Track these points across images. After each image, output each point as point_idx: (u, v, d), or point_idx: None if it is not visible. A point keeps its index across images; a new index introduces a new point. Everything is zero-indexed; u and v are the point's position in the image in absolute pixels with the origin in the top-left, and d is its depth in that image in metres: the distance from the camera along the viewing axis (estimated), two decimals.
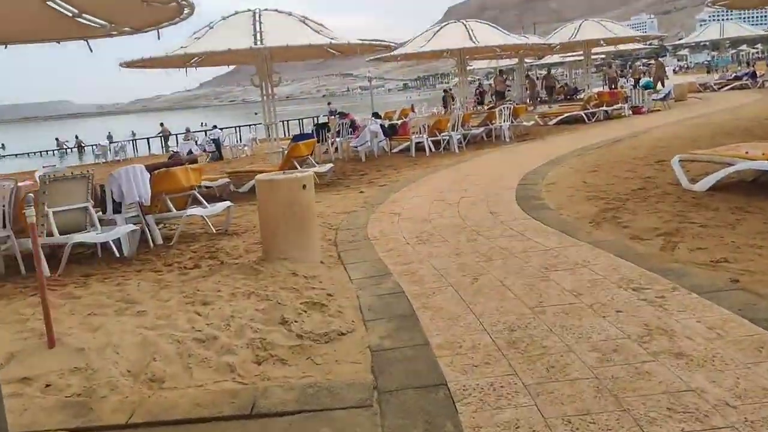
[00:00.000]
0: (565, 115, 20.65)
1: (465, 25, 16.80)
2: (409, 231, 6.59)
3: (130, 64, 12.19)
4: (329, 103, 34.31)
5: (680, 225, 5.65)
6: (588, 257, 4.93)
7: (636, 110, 20.62)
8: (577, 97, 37.60)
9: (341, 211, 8.28)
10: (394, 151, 16.72)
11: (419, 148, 15.44)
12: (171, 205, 7.27)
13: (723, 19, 48.17)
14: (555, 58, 41.25)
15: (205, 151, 22.95)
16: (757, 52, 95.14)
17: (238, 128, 39.09)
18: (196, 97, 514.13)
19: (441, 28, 17.02)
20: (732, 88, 28.59)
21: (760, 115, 15.56)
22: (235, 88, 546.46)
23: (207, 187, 11.09)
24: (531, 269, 4.77)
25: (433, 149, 15.68)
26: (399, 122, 17.78)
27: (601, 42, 24.81)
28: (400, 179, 11.12)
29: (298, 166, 11.51)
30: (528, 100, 29.97)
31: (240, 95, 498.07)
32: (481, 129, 17.23)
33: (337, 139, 16.23)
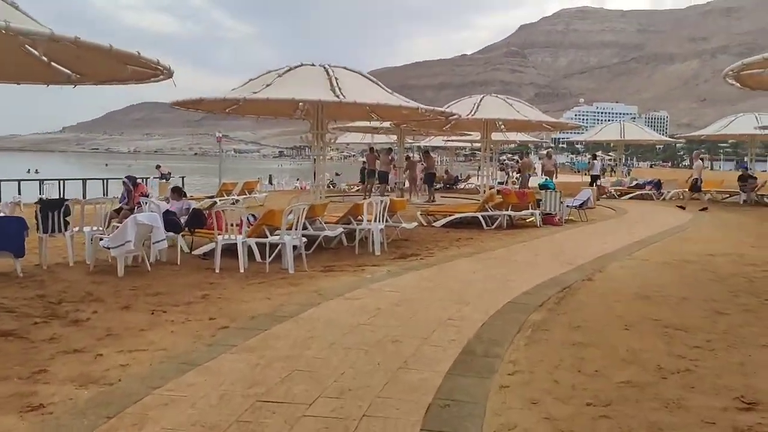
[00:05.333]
0: (457, 215, 15.15)
1: (327, 71, 10.77)
2: None
3: None
4: (158, 166, 26.79)
5: None
6: None
7: (548, 219, 15.49)
8: (457, 186, 33.13)
9: None
10: (197, 253, 10.12)
11: (232, 251, 9.10)
12: None
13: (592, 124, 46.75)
14: (437, 141, 36.74)
15: None
16: (611, 160, 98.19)
17: (41, 182, 30.65)
18: (56, 141, 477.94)
19: (290, 69, 10.86)
20: (633, 197, 24.89)
21: (742, 252, 10.64)
22: (100, 136, 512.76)
23: None
24: None
25: (258, 258, 9.37)
26: (208, 207, 11.18)
27: (501, 126, 20.01)
28: (116, 371, 4.47)
29: None
30: (405, 184, 24.51)
31: (105, 143, 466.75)
32: (340, 230, 11.08)
33: (86, 230, 9.25)
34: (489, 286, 7.57)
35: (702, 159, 22.52)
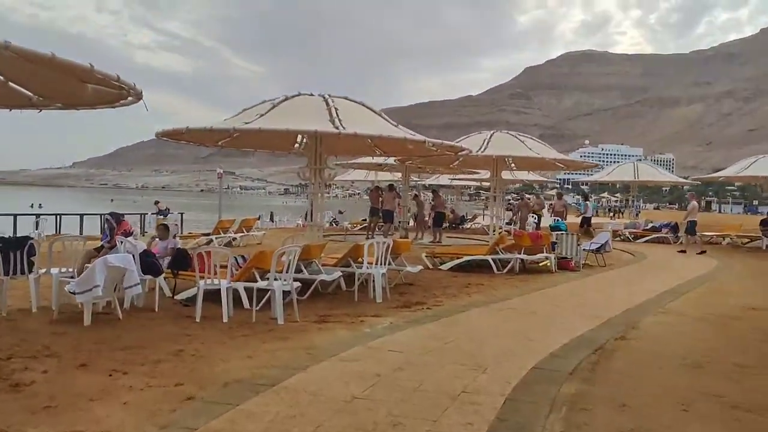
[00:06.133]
0: (465, 258, 14.12)
1: (326, 101, 9.92)
2: None
3: None
4: (157, 202, 25.92)
5: None
6: None
7: (563, 263, 14.44)
8: (464, 226, 32.07)
9: None
10: (180, 298, 9.10)
11: (219, 296, 8.09)
12: None
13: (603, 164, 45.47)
14: (443, 180, 35.80)
15: None
16: (617, 201, 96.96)
17: (37, 217, 29.72)
18: (65, 176, 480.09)
19: (286, 98, 10.02)
20: (648, 240, 23.81)
21: None
22: (110, 171, 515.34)
23: None
24: None
25: (246, 304, 8.36)
26: (194, 248, 10.19)
27: (512, 165, 19.13)
28: None
29: None
30: (411, 222, 23.55)
31: (114, 179, 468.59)
32: (337, 273, 10.04)
33: (54, 272, 8.27)
34: (508, 345, 6.50)
35: (710, 203, 21.52)
